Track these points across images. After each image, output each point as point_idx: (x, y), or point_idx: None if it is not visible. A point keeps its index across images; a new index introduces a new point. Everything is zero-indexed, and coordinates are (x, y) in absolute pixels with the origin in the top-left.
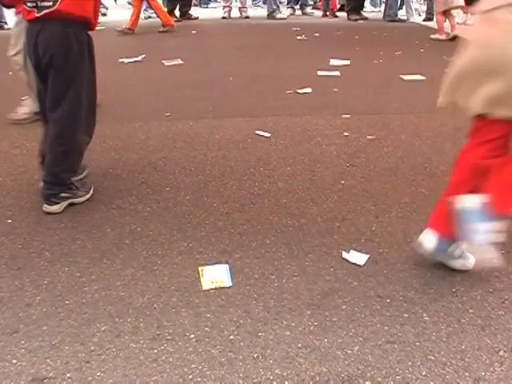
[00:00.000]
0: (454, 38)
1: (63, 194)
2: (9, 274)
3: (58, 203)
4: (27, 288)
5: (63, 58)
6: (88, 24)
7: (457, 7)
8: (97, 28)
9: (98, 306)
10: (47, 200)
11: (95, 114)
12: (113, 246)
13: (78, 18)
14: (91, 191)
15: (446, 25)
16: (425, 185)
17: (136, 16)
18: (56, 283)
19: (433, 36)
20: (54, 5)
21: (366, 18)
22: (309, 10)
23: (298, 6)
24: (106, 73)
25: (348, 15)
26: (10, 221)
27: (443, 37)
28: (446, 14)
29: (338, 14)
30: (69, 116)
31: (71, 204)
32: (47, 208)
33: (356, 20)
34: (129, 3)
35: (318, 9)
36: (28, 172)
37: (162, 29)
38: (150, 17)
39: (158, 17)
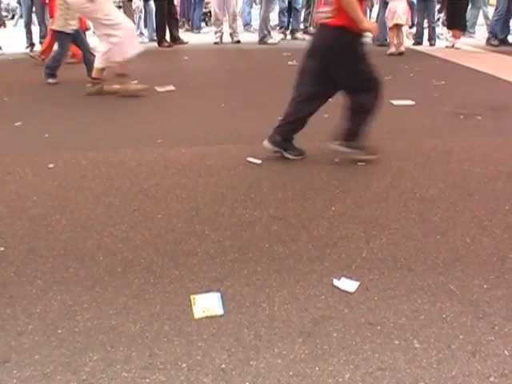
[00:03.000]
0: (401, 54)
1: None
2: (1, 302)
3: None
4: (19, 316)
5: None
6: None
7: (402, 25)
8: None
9: (90, 334)
10: None
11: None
12: (105, 274)
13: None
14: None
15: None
16: (414, 210)
17: (48, 44)
18: (48, 312)
19: (388, 51)
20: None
21: None
22: (299, 35)
23: (288, 31)
24: (99, 98)
25: None
26: (2, 248)
27: (393, 49)
28: (397, 29)
29: None
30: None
31: (63, 231)
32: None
33: None
34: None
35: (308, 33)
36: (20, 199)
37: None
38: (142, 42)
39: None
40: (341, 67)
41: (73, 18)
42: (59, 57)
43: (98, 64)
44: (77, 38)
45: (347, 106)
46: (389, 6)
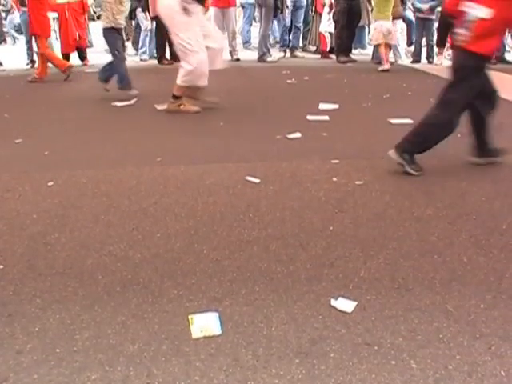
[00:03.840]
0: (387, 71)
1: None
2: None
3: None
4: (18, 335)
5: None
6: None
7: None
8: (89, 71)
9: (88, 353)
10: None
11: None
12: (104, 293)
13: None
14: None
15: None
16: (412, 230)
17: (42, 66)
18: (47, 330)
19: (380, 68)
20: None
21: (354, 61)
22: (299, 52)
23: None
24: (99, 116)
25: (337, 57)
26: (1, 266)
27: (387, 66)
28: (385, 47)
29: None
30: None
31: (62, 249)
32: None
33: (345, 62)
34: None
35: (307, 51)
36: (20, 216)
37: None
38: (141, 59)
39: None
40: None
41: (120, 13)
42: (116, 60)
43: (179, 81)
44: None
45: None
46: (374, 26)
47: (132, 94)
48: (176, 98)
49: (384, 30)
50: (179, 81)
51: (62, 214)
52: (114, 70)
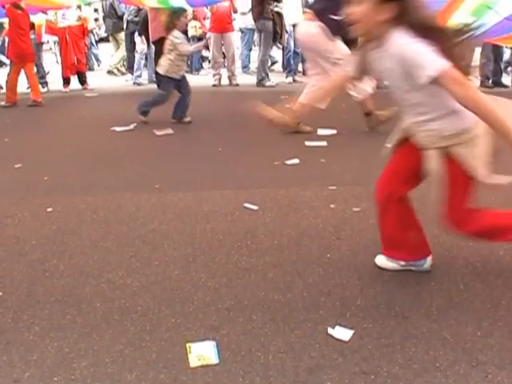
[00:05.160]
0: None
1: None
2: None
3: None
4: (16, 363)
5: None
6: None
7: None
8: (89, 95)
9: (86, 382)
10: None
11: None
12: (102, 321)
13: None
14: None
15: None
16: None
17: (34, 86)
18: (45, 359)
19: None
20: None
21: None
22: (298, 77)
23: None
24: (98, 141)
25: None
26: (0, 293)
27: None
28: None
29: None
30: None
31: (61, 276)
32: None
33: None
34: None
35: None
36: (19, 242)
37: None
38: (136, 83)
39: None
40: None
41: (183, 66)
42: (160, 99)
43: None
44: (182, 83)
45: None
46: None
47: (142, 119)
48: (369, 114)
49: None
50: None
51: (60, 240)
52: (181, 104)
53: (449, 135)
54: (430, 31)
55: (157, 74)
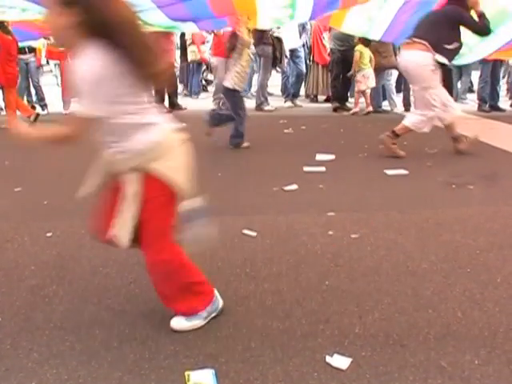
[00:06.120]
0: (368, 113)
1: None
2: None
3: None
4: None
5: None
6: None
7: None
8: None
9: None
10: None
11: None
12: (101, 348)
13: None
14: None
15: None
16: (407, 284)
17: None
18: None
19: (351, 111)
20: None
21: (349, 109)
22: (298, 101)
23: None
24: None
25: (333, 106)
26: None
27: (357, 109)
28: (364, 92)
29: (324, 105)
30: None
31: (60, 303)
32: None
33: (341, 112)
34: None
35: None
36: (19, 267)
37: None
38: None
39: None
40: None
41: (245, 78)
42: (241, 115)
43: (407, 122)
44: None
45: None
46: (362, 73)
47: (245, 146)
48: (396, 135)
49: (370, 75)
50: (408, 122)
51: (60, 265)
52: (225, 122)
53: (139, 153)
54: (115, 32)
55: (228, 91)
